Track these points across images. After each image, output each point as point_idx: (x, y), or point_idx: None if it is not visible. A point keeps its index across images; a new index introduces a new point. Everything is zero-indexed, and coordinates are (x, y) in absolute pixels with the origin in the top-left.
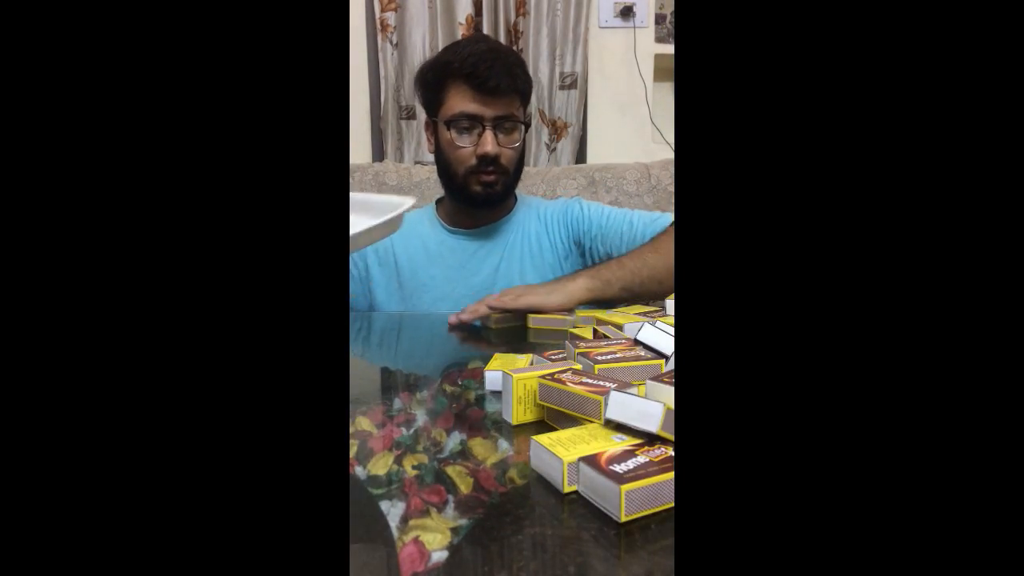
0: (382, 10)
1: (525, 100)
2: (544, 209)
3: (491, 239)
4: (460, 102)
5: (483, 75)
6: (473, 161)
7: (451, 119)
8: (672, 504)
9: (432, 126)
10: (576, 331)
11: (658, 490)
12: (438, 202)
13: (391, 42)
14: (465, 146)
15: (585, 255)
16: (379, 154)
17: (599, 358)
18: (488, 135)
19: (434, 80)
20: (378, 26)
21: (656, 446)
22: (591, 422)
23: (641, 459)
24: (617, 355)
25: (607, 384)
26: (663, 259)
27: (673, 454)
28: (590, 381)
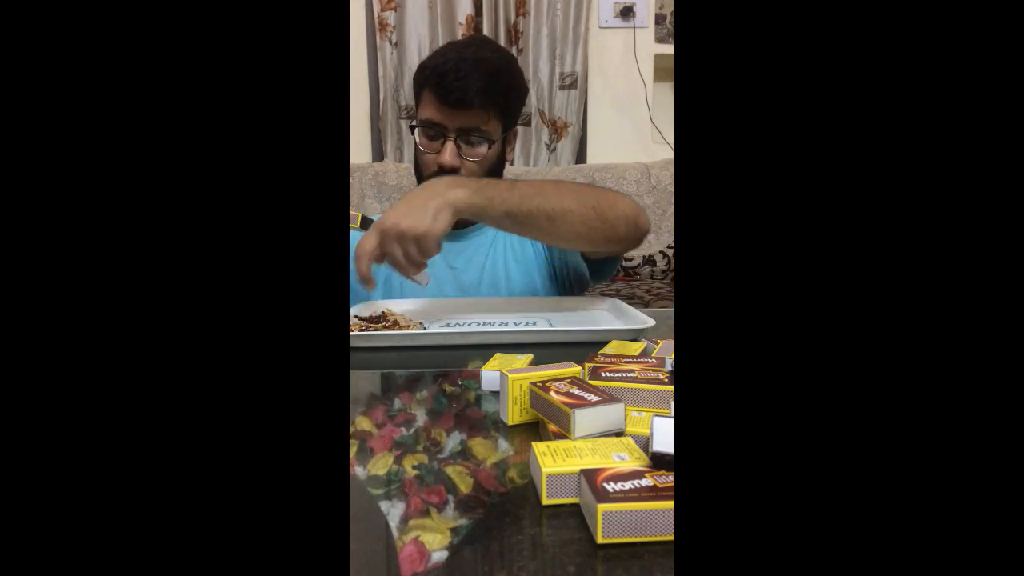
0: (382, 9)
1: (506, 113)
2: None
3: (476, 240)
4: (427, 108)
5: (449, 86)
6: (434, 168)
7: (419, 123)
8: (669, 537)
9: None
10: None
11: (647, 518)
12: None
13: (391, 42)
14: (429, 152)
15: (551, 257)
16: (379, 154)
17: (606, 375)
18: (449, 146)
19: (415, 82)
20: (377, 26)
21: (664, 472)
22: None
23: (645, 482)
24: (632, 374)
25: (592, 397)
26: (561, 196)
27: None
28: (579, 393)
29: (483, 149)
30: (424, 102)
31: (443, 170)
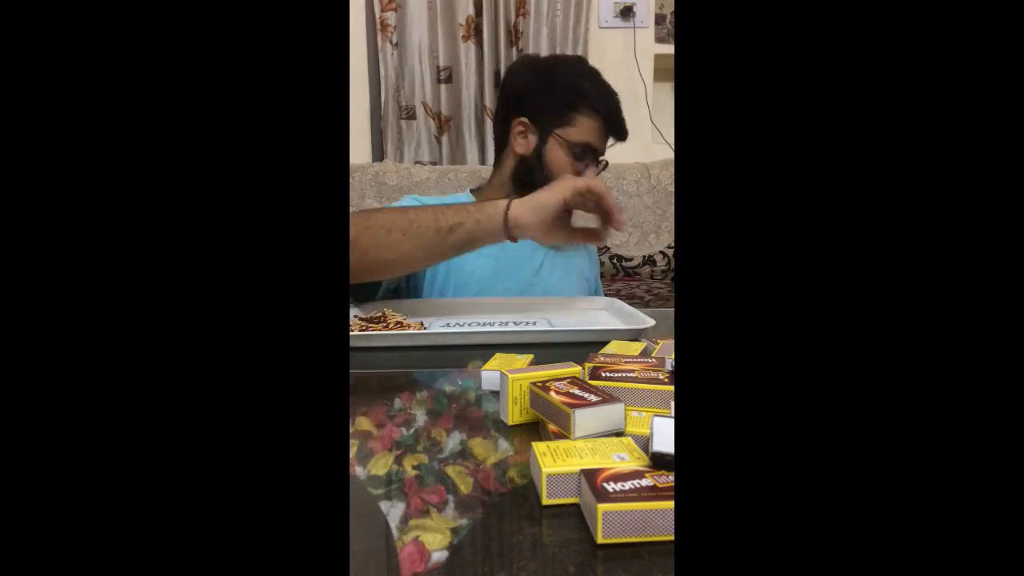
0: (382, 10)
1: None
2: None
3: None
4: (588, 132)
5: (619, 122)
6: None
7: (576, 144)
8: (669, 537)
9: (541, 133)
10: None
11: (647, 518)
12: (473, 192)
13: (391, 42)
14: (575, 169)
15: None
16: (379, 154)
17: (606, 375)
18: (593, 170)
19: (566, 98)
20: (378, 26)
21: (664, 472)
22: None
23: (645, 482)
24: (632, 374)
25: (592, 397)
26: None
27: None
28: (579, 393)
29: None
30: (583, 124)
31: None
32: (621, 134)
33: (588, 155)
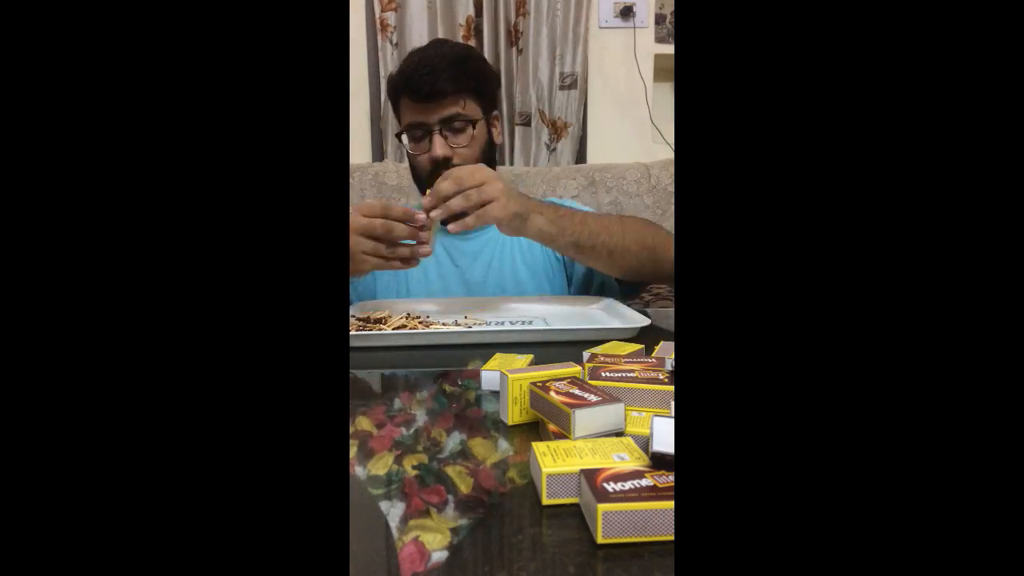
0: (382, 10)
1: (481, 95)
2: None
3: (482, 238)
4: (406, 113)
5: (417, 83)
6: (430, 167)
7: (404, 131)
8: (669, 537)
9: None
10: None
11: (647, 518)
12: None
13: (391, 42)
14: (419, 153)
15: (570, 263)
16: (379, 154)
17: (606, 375)
18: (436, 139)
19: (390, 97)
20: (378, 26)
21: (664, 472)
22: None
23: (645, 482)
24: (632, 374)
25: (592, 397)
26: (624, 235)
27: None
28: (579, 393)
29: (468, 133)
30: (403, 109)
31: (438, 163)
32: (412, 91)
33: (420, 131)
